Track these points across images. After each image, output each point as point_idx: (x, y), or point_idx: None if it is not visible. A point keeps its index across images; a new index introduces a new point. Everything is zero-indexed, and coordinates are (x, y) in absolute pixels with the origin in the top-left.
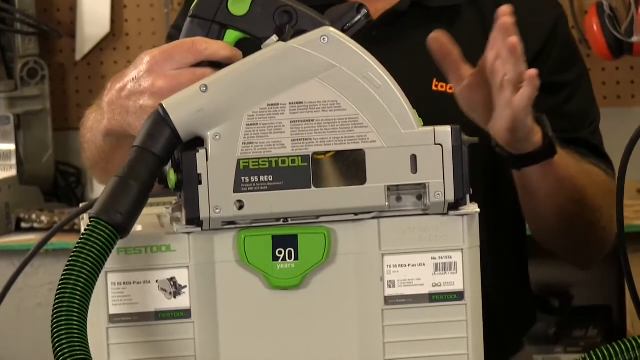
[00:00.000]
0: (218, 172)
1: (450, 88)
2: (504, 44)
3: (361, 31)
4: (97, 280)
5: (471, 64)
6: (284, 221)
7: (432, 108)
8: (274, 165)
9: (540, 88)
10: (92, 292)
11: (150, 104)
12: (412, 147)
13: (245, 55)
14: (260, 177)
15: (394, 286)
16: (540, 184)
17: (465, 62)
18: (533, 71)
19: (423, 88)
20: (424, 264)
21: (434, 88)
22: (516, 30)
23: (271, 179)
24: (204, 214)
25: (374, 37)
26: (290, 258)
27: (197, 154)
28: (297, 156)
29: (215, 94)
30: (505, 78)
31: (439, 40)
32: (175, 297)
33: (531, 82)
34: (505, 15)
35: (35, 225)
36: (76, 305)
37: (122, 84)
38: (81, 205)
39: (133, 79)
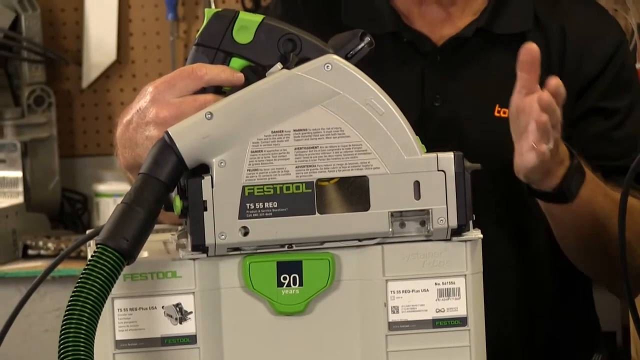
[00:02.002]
0: (223, 198)
1: None
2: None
3: (364, 58)
4: (103, 306)
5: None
6: (288, 247)
7: (494, 134)
8: (278, 191)
9: (592, 111)
10: (98, 318)
11: (156, 134)
12: (415, 173)
13: (249, 83)
14: (265, 203)
15: (397, 312)
16: (559, 217)
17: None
18: (543, 147)
19: (485, 114)
20: (427, 290)
21: (496, 114)
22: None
23: (276, 206)
24: (209, 240)
25: (439, 62)
26: (294, 284)
27: (203, 181)
28: (302, 182)
29: (220, 121)
30: (530, 128)
31: (532, 51)
32: (181, 323)
33: (539, 153)
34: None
35: (42, 252)
36: (83, 332)
37: (129, 118)
38: (88, 231)
39: (138, 110)
